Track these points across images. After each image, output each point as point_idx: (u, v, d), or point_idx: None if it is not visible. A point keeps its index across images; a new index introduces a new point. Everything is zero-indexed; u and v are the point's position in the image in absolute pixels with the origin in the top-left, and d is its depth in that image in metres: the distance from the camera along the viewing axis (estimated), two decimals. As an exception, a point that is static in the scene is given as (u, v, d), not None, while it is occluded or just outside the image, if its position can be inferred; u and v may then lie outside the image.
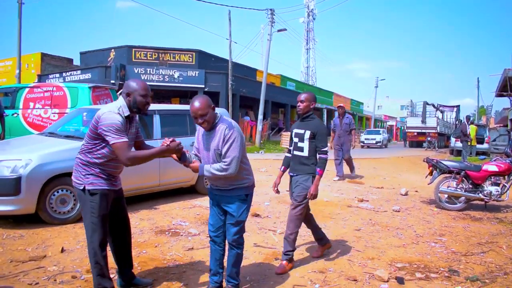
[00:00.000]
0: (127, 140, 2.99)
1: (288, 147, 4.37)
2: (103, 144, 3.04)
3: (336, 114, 10.63)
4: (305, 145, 4.11)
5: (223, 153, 3.10)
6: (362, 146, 33.22)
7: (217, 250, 3.39)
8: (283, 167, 4.43)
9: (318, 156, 4.12)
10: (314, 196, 4.02)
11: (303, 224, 4.32)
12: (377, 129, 41.92)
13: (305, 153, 4.10)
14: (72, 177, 3.20)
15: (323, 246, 4.53)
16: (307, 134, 4.11)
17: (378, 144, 33.32)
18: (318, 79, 68.47)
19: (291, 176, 4.26)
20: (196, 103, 3.07)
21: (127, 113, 3.08)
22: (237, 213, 3.27)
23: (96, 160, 3.08)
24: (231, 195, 3.27)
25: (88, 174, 3.09)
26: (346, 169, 11.06)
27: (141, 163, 3.14)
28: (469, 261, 4.48)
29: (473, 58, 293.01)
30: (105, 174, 3.13)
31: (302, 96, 4.22)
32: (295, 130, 4.23)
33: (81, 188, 3.09)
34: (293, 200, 4.16)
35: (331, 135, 11.21)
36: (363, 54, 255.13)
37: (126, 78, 22.98)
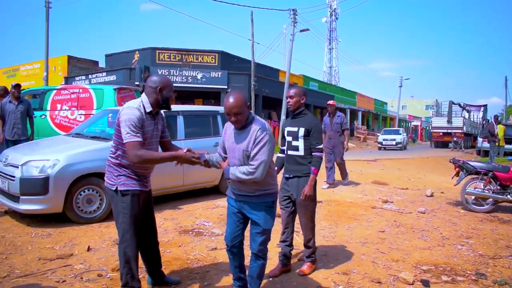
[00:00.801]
0: (140, 140, 2.97)
1: (280, 146, 4.11)
2: None
3: (336, 112, 9.35)
4: (300, 143, 3.87)
5: (251, 156, 2.89)
6: (380, 148, 30.20)
7: (236, 259, 3.24)
8: (276, 168, 3.89)
9: (312, 154, 3.87)
10: (309, 197, 3.83)
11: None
12: (396, 128, 38.22)
13: (301, 152, 3.87)
14: (105, 178, 3.25)
15: (285, 266, 4.03)
16: (301, 131, 3.87)
17: (398, 145, 30.01)
18: (341, 79, 68.03)
19: (286, 178, 3.99)
20: (232, 99, 2.85)
21: (149, 109, 3.10)
22: (264, 222, 3.05)
23: (125, 160, 3.09)
24: (257, 201, 3.04)
25: (120, 175, 3.12)
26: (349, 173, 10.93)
27: (149, 164, 3.13)
28: (497, 264, 4.37)
29: (501, 56, 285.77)
30: (136, 175, 3.16)
31: (291, 91, 3.98)
32: (287, 128, 3.99)
33: (114, 188, 3.13)
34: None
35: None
36: (387, 53, 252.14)
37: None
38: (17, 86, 7.81)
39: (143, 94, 3.17)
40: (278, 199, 3.40)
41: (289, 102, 3.98)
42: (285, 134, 4.00)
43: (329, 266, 4.18)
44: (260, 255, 3.13)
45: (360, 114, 44.70)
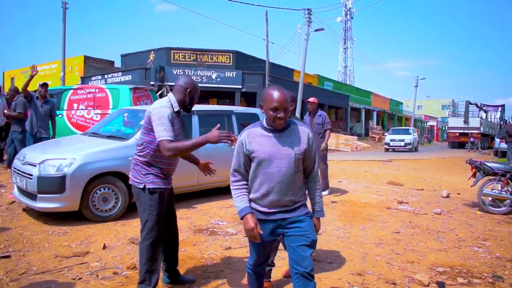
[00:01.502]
0: (173, 137, 3.01)
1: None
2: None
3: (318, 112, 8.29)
4: None
5: (310, 159, 2.63)
6: (387, 149, 26.97)
7: (260, 278, 2.96)
8: None
9: None
10: None
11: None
12: (406, 127, 35.02)
13: None
14: (130, 176, 3.30)
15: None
16: None
17: (408, 146, 26.71)
18: (356, 79, 67.60)
19: None
20: (278, 92, 2.47)
21: (177, 108, 3.20)
22: (311, 232, 2.58)
23: (153, 158, 3.17)
24: (298, 214, 2.61)
25: (149, 174, 3.18)
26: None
27: (184, 154, 3.16)
28: (515, 267, 4.30)
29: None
30: (163, 173, 3.24)
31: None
32: None
33: (141, 187, 3.18)
34: None
35: None
36: (402, 53, 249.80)
37: (165, 79, 23.45)
38: (44, 85, 7.94)
39: (171, 93, 3.26)
40: None
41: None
42: None
43: (343, 267, 4.15)
44: (312, 274, 2.51)
45: (375, 114, 44.36)
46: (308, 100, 8.15)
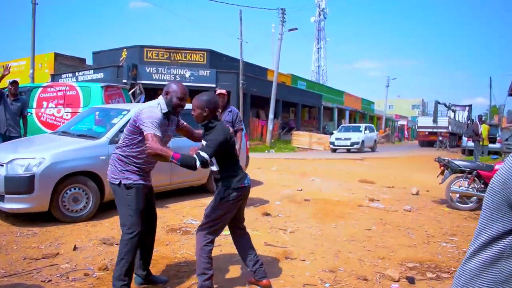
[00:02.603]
0: (160, 135, 3.09)
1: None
2: (140, 138, 3.19)
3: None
4: (212, 159, 3.25)
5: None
6: (333, 150, 23.60)
7: None
8: None
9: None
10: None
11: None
12: (357, 124, 30.40)
13: (215, 167, 3.34)
14: (108, 173, 3.36)
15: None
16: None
17: (355, 146, 22.84)
18: (329, 78, 68.35)
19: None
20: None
21: (165, 110, 3.27)
22: None
23: (133, 153, 3.24)
24: None
25: (124, 170, 3.25)
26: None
27: (156, 156, 3.07)
28: (481, 261, 4.44)
29: (486, 57, 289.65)
30: (140, 170, 3.29)
31: (193, 103, 3.30)
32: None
33: (117, 182, 3.24)
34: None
35: None
36: (375, 53, 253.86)
37: (138, 77, 23.16)
38: (15, 83, 7.70)
39: (160, 96, 3.36)
40: None
41: (192, 114, 3.30)
42: None
43: (315, 264, 4.20)
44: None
45: (347, 113, 44.92)
46: (219, 92, 6.28)
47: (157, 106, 3.24)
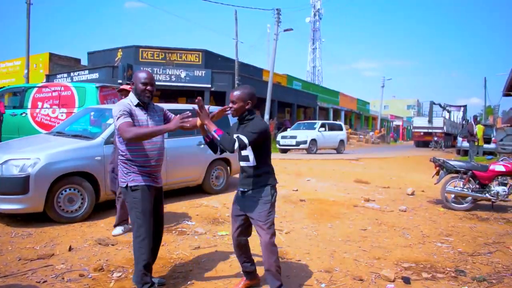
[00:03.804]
0: (130, 120, 3.15)
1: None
2: None
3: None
4: (249, 152, 3.26)
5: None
6: (282, 151, 20.46)
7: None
8: None
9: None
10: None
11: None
12: (312, 121, 25.31)
13: (252, 162, 3.28)
14: (118, 177, 3.41)
15: (250, 280, 3.63)
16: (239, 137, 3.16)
17: (302, 146, 19.49)
18: (324, 79, 68.31)
19: (242, 192, 3.37)
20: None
21: (136, 101, 3.31)
22: None
23: (130, 154, 3.25)
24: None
25: (130, 172, 3.26)
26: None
27: (143, 139, 3.18)
28: (476, 261, 4.47)
29: (481, 58, 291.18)
30: (145, 171, 3.28)
31: (234, 95, 3.29)
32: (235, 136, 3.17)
33: (124, 185, 3.27)
34: (259, 225, 3.28)
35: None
36: (370, 54, 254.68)
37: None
38: None
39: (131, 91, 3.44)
40: (232, 213, 3.50)
41: (231, 108, 3.29)
42: None
43: (311, 264, 4.21)
44: None
45: (343, 113, 45.01)
46: (121, 87, 5.47)
47: (127, 101, 3.33)
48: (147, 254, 3.22)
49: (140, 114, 3.30)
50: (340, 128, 22.57)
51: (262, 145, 3.26)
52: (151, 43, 35.59)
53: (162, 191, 3.59)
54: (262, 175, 3.31)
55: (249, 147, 3.15)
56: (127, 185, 3.25)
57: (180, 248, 4.58)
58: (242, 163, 3.34)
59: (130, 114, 3.20)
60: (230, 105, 3.29)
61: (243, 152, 3.27)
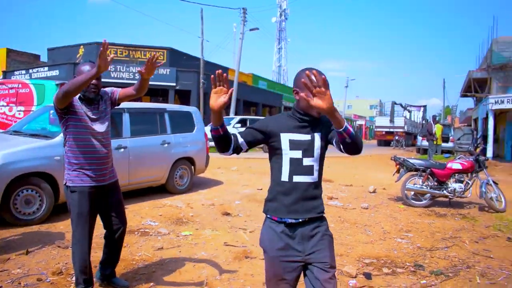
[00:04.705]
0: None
1: None
2: (66, 126, 3.10)
3: None
4: (316, 161, 2.18)
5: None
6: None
7: None
8: None
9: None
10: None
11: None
12: (231, 116, 22.46)
13: (315, 176, 2.19)
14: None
15: None
16: (318, 140, 2.16)
17: (211, 144, 10.39)
18: (289, 78, 68.75)
19: (294, 224, 2.16)
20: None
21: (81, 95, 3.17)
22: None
23: (70, 155, 3.09)
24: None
25: (70, 171, 3.10)
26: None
27: (75, 89, 2.90)
28: (434, 255, 4.61)
29: (440, 59, 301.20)
30: (85, 174, 3.09)
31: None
32: (292, 136, 2.12)
33: (64, 183, 3.13)
34: (326, 271, 2.15)
35: None
36: (335, 54, 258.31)
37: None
38: None
39: None
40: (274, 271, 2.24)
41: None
42: (283, 146, 2.13)
43: (275, 263, 4.22)
44: None
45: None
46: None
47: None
48: (80, 260, 3.10)
49: (78, 106, 3.13)
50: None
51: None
52: (115, 40, 34.84)
53: (117, 186, 3.37)
54: (320, 197, 2.25)
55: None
56: (65, 184, 3.11)
57: (142, 249, 4.50)
58: (299, 178, 2.14)
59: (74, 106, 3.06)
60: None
61: (307, 161, 2.14)
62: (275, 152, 2.18)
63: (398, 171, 7.72)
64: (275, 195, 2.22)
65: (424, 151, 20.71)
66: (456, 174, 7.41)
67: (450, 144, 22.38)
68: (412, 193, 7.53)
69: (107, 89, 3.41)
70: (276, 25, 62.25)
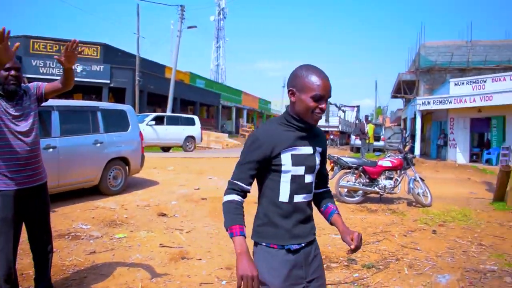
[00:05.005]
0: None
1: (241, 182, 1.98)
2: None
3: None
4: (314, 177, 1.96)
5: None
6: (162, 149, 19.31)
7: None
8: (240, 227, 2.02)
9: (327, 186, 2.21)
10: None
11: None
12: (147, 113, 20.98)
13: (312, 194, 1.99)
14: None
15: None
16: (318, 155, 1.94)
17: None
18: (227, 78, 69.01)
19: (297, 250, 1.91)
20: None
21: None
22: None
23: None
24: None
25: None
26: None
27: None
28: (366, 250, 4.80)
29: (372, 61, 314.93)
30: (9, 173, 2.83)
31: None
32: (294, 151, 1.82)
33: None
34: None
35: None
36: (272, 54, 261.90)
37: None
38: None
39: None
40: None
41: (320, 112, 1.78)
42: (284, 162, 1.82)
43: (212, 262, 4.21)
44: None
45: (245, 112, 45.85)
46: None
47: None
48: (4, 268, 2.86)
49: (10, 104, 2.89)
50: (191, 123, 19.55)
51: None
52: (44, 34, 33.10)
53: (44, 189, 3.12)
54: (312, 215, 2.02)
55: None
56: None
57: (73, 254, 4.30)
58: (300, 198, 1.89)
59: None
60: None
61: (309, 178, 1.89)
62: (270, 168, 1.85)
63: (332, 169, 7.95)
64: (271, 219, 1.93)
65: (357, 149, 21.50)
66: (386, 172, 7.77)
67: (381, 143, 23.39)
68: (346, 190, 7.79)
69: (31, 84, 3.17)
70: (215, 23, 62.08)
